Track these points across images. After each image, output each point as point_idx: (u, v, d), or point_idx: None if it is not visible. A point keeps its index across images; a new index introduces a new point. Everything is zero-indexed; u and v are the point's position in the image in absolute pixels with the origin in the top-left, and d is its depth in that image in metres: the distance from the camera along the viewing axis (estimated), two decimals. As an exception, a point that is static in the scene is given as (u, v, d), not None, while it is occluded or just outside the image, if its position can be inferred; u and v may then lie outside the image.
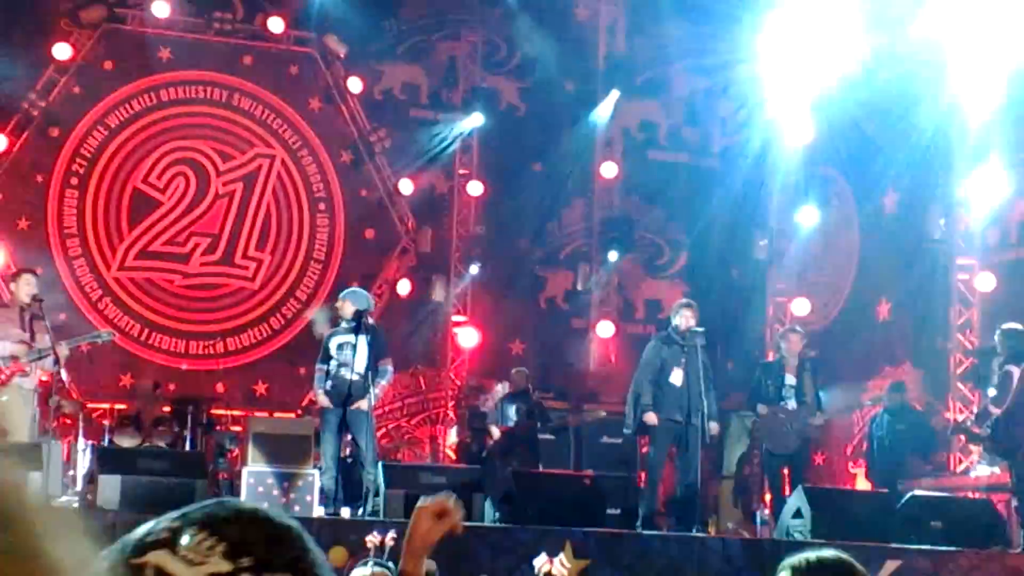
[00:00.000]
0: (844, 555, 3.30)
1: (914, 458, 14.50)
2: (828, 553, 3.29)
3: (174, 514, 1.49)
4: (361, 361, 11.85)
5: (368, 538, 8.22)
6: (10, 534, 1.27)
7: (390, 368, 12.26)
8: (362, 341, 11.91)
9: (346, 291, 12.61)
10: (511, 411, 14.85)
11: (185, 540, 1.45)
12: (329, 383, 11.92)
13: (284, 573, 1.45)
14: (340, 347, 11.97)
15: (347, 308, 12.08)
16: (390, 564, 6.63)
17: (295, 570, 1.47)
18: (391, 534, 8.04)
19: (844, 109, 16.37)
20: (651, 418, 12.03)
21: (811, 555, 3.25)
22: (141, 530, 1.49)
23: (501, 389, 15.52)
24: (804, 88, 16.68)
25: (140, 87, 17.00)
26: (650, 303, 18.45)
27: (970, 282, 16.24)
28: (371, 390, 11.82)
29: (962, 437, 14.61)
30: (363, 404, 11.82)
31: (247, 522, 1.48)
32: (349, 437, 12.31)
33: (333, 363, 11.95)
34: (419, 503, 3.47)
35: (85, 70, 16.64)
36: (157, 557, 1.44)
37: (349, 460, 12.62)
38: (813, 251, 17.74)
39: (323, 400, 11.90)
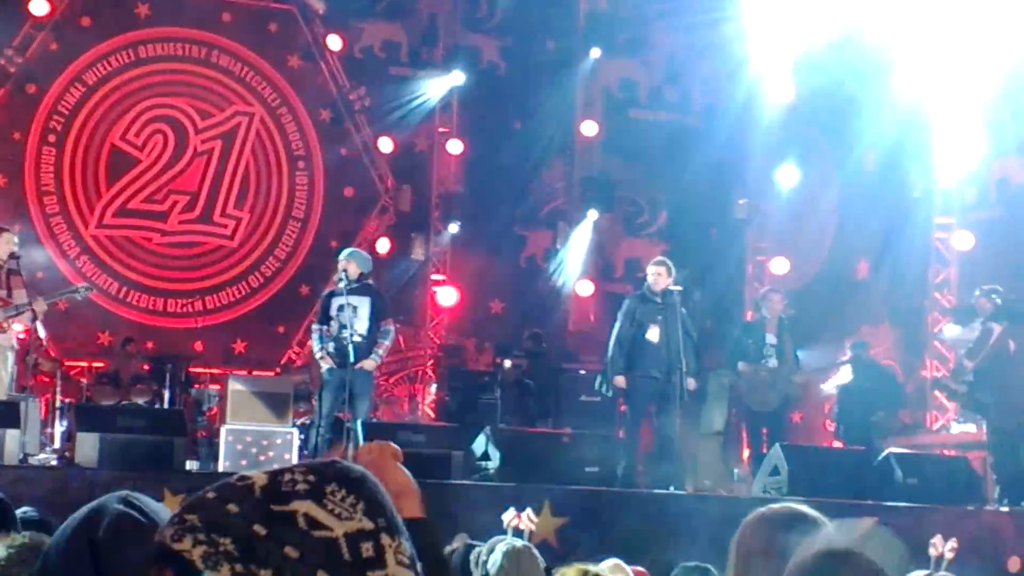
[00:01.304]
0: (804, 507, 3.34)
1: (882, 415, 14.55)
2: (791, 505, 3.33)
3: (297, 466, 1.51)
4: (362, 322, 11.79)
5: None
6: None
7: (392, 328, 12.21)
8: (364, 302, 11.85)
9: (349, 251, 12.43)
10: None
11: (330, 493, 1.48)
12: (331, 344, 11.81)
13: (404, 535, 1.51)
14: (340, 308, 11.83)
15: (353, 268, 11.95)
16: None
17: (404, 532, 1.53)
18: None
19: (825, 69, 16.34)
20: (619, 381, 12.05)
21: (774, 506, 3.29)
22: (260, 476, 1.49)
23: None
24: (785, 47, 16.65)
25: (118, 44, 16.88)
26: (630, 262, 18.44)
27: (948, 241, 16.30)
28: (375, 350, 11.82)
29: (938, 393, 14.69)
30: (367, 364, 11.80)
31: (374, 484, 1.53)
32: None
33: (334, 324, 11.84)
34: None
35: (62, 26, 16.51)
36: (306, 506, 1.46)
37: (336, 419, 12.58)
38: (792, 210, 17.76)
39: (326, 360, 11.83)
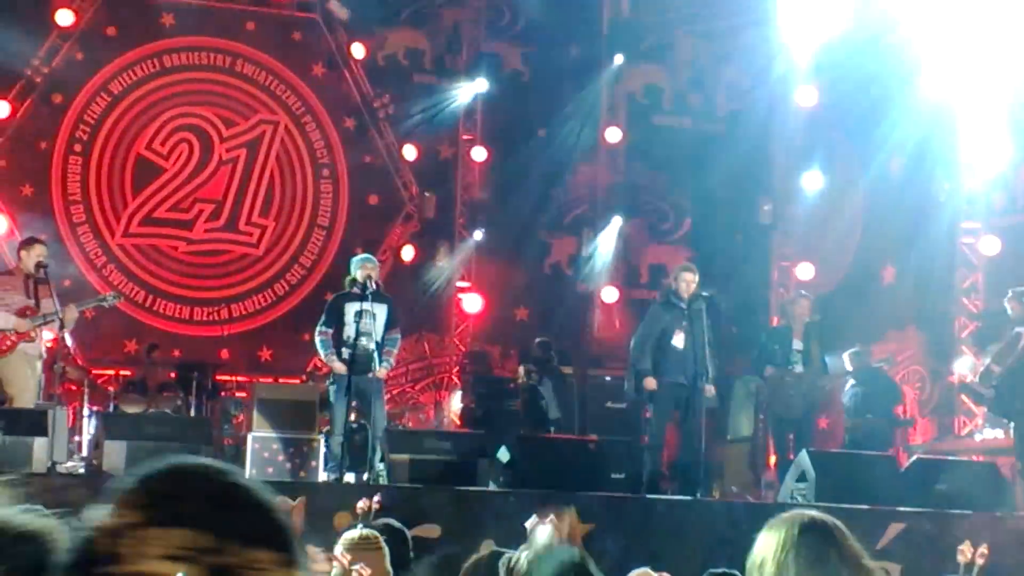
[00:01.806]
0: (827, 517, 3.35)
1: (879, 421, 14.43)
2: (812, 514, 3.33)
3: None
4: (380, 329, 11.77)
5: (358, 504, 8.26)
6: None
7: (399, 336, 12.19)
8: (382, 310, 11.81)
9: (362, 256, 12.41)
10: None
11: None
12: (346, 351, 11.71)
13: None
14: (359, 314, 11.72)
15: (376, 275, 11.97)
16: (391, 522, 6.65)
17: None
18: (376, 498, 8.09)
19: (849, 73, 16.29)
20: (650, 383, 12.01)
21: (795, 514, 3.29)
22: None
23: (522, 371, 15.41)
24: (809, 51, 16.60)
25: (143, 53, 16.97)
26: (654, 268, 18.42)
27: (975, 246, 16.21)
28: (386, 358, 11.78)
29: (965, 398, 14.61)
30: (380, 372, 11.74)
31: None
32: (354, 403, 12.22)
33: (350, 330, 11.74)
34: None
35: (88, 36, 16.60)
36: None
37: (355, 426, 12.57)
38: (818, 215, 17.69)
39: (339, 366, 11.67)
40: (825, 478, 11.11)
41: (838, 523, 3.30)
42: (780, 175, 18.17)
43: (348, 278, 12.11)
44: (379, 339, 11.67)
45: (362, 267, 12.09)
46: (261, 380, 14.92)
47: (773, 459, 14.26)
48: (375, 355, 11.61)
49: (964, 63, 15.27)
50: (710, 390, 12.04)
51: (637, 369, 12.18)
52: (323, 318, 11.92)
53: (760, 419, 13.84)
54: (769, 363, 13.18)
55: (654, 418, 12.42)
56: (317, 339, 11.83)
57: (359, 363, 11.58)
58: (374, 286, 11.84)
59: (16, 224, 15.55)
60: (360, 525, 6.32)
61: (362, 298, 11.73)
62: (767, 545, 3.26)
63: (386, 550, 5.91)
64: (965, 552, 6.62)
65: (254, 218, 17.33)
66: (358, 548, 5.71)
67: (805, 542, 3.20)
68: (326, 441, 12.42)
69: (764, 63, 17.17)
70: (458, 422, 16.39)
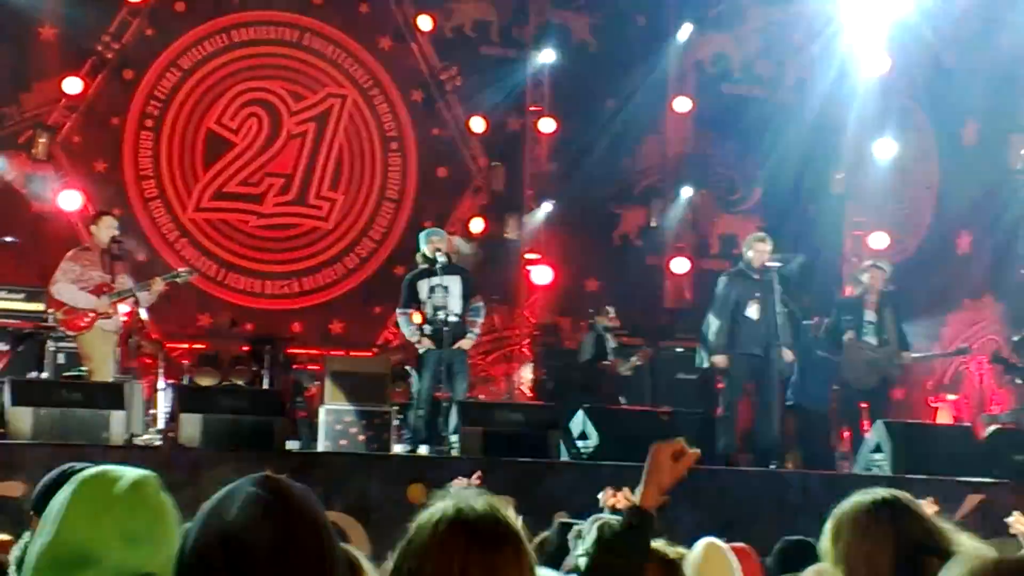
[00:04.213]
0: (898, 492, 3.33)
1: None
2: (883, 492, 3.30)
3: None
4: (456, 301, 11.80)
5: (455, 482, 8.26)
6: None
7: (482, 304, 12.22)
8: (455, 281, 11.85)
9: (430, 230, 12.46)
10: (611, 344, 14.80)
11: None
12: (427, 327, 11.80)
13: None
14: (433, 289, 11.81)
15: (447, 247, 12.01)
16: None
17: None
18: (477, 474, 8.08)
19: (921, 38, 16.06)
20: (720, 360, 11.93)
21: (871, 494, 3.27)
22: None
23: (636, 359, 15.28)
24: (880, 17, 16.37)
25: (212, 28, 17.04)
26: (725, 238, 18.30)
27: (1052, 212, 15.96)
28: (470, 329, 11.83)
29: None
30: (464, 344, 11.82)
31: None
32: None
33: (427, 306, 11.83)
34: (655, 444, 3.56)
35: (157, 12, 16.69)
36: None
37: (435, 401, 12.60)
38: (891, 184, 17.48)
39: (425, 342, 11.82)
40: (901, 449, 11.03)
41: (911, 498, 3.27)
42: (852, 143, 17.95)
43: (418, 254, 12.18)
44: (458, 311, 11.73)
45: (429, 241, 12.15)
46: (333, 353, 14.98)
47: (846, 430, 14.14)
48: (456, 327, 11.68)
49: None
50: (788, 354, 11.95)
51: (708, 343, 12.12)
52: (401, 299, 12.08)
53: (833, 389, 13.69)
54: (839, 334, 13.01)
55: (727, 389, 12.36)
56: (400, 320, 12.01)
57: (438, 337, 11.68)
58: (444, 258, 11.87)
59: (90, 200, 15.70)
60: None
61: (432, 273, 11.78)
62: (840, 521, 3.23)
63: None
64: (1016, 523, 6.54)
65: (324, 192, 17.40)
66: None
67: (878, 518, 3.17)
68: (405, 414, 12.48)
69: (834, 30, 16.96)
70: (529, 394, 16.40)
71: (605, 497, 6.30)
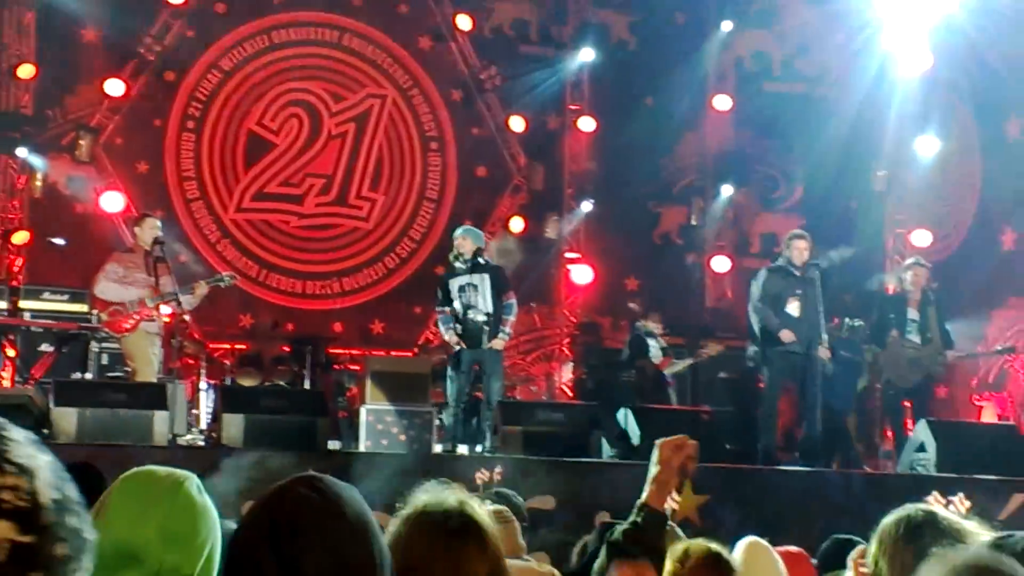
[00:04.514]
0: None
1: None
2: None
3: None
4: (486, 300, 11.78)
5: (477, 474, 8.27)
6: None
7: (514, 301, 12.19)
8: (484, 279, 11.83)
9: (462, 228, 12.49)
10: (655, 348, 14.73)
11: None
12: (458, 326, 11.80)
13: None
14: (462, 288, 11.80)
15: (468, 245, 11.95)
16: (506, 492, 6.64)
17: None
18: (497, 469, 8.09)
19: (963, 34, 15.93)
20: (787, 335, 11.75)
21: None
22: None
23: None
24: (922, 13, 16.25)
25: (252, 29, 17.12)
26: (765, 237, 18.23)
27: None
28: (502, 328, 11.81)
29: None
30: (497, 344, 11.79)
31: None
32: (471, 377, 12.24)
33: (457, 305, 11.82)
34: (658, 441, 3.61)
35: (198, 13, 16.77)
36: None
37: (469, 400, 12.59)
38: (933, 180, 17.35)
39: (455, 342, 11.81)
40: (946, 448, 10.94)
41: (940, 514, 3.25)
42: (893, 140, 17.82)
43: (451, 255, 12.20)
44: (489, 309, 11.70)
45: (455, 240, 12.18)
46: (373, 353, 15.02)
47: (889, 429, 14.05)
48: (485, 327, 11.66)
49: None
50: (825, 352, 11.88)
51: (765, 328, 11.97)
52: (438, 299, 12.11)
53: (876, 387, 13.61)
54: (882, 332, 12.93)
55: (769, 387, 12.29)
56: (438, 319, 12.01)
57: (470, 336, 11.67)
58: (465, 257, 11.85)
59: (132, 201, 15.80)
60: (484, 498, 6.32)
61: (462, 272, 11.79)
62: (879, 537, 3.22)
63: (517, 524, 5.90)
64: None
65: (364, 192, 17.44)
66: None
67: (905, 537, 3.15)
68: (440, 414, 12.50)
69: (875, 26, 16.86)
70: (569, 393, 16.38)
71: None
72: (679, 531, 4.90)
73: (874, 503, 11.14)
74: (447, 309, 11.93)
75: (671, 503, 6.06)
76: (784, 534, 7.28)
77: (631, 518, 3.60)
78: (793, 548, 5.10)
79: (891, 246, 17.94)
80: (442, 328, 12.05)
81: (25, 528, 1.11)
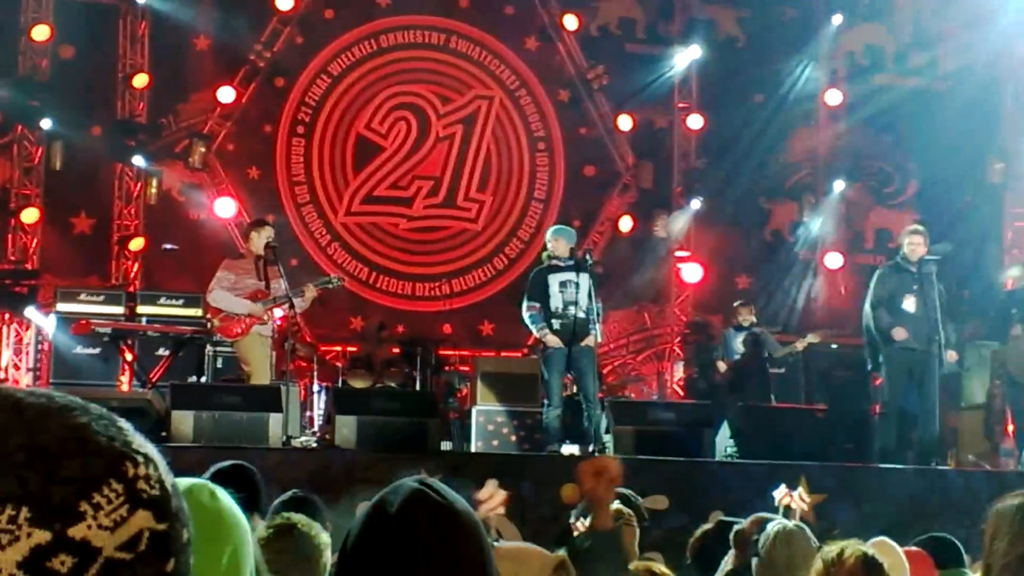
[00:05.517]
0: None
1: None
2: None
3: None
4: (584, 298, 11.70)
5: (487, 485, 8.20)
6: None
7: (602, 306, 12.10)
8: (584, 278, 11.74)
9: (556, 228, 12.37)
10: (737, 343, 14.59)
11: None
12: (556, 322, 11.70)
13: None
14: (563, 284, 11.72)
15: (562, 245, 11.86)
16: (628, 492, 6.56)
17: None
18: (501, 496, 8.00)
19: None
20: (900, 333, 11.54)
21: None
22: None
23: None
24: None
25: (360, 34, 17.25)
26: (880, 232, 17.97)
27: None
28: (596, 327, 11.71)
29: None
30: (590, 341, 11.68)
31: None
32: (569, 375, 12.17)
33: (556, 301, 11.72)
34: (579, 466, 3.66)
35: (307, 19, 16.94)
36: None
37: (575, 399, 12.52)
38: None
39: (552, 340, 11.65)
40: (1069, 445, 10.68)
41: None
42: (1010, 132, 17.50)
43: (545, 253, 12.11)
44: (586, 308, 11.61)
45: (548, 240, 12.08)
46: (483, 354, 15.04)
47: (1011, 427, 13.75)
48: (583, 324, 11.57)
49: None
50: (952, 356, 11.65)
51: (879, 329, 11.75)
52: (527, 293, 11.87)
53: (996, 384, 13.31)
54: (1006, 327, 12.67)
55: (886, 385, 12.06)
56: (526, 315, 11.75)
57: (567, 333, 11.53)
58: (560, 256, 11.76)
59: (244, 207, 16.00)
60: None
61: (564, 269, 11.70)
62: (996, 519, 3.13)
63: (637, 530, 5.84)
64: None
65: (472, 193, 17.48)
66: None
67: None
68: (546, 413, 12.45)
69: (988, 16, 16.52)
70: (681, 392, 16.27)
71: (779, 496, 6.15)
72: (809, 532, 4.81)
73: (994, 502, 10.89)
74: (537, 305, 11.71)
75: (800, 503, 5.93)
76: (902, 533, 7.15)
77: (585, 544, 3.65)
78: (914, 548, 5.00)
79: (1010, 240, 17.57)
80: (532, 325, 11.77)
81: (159, 516, 1.12)
